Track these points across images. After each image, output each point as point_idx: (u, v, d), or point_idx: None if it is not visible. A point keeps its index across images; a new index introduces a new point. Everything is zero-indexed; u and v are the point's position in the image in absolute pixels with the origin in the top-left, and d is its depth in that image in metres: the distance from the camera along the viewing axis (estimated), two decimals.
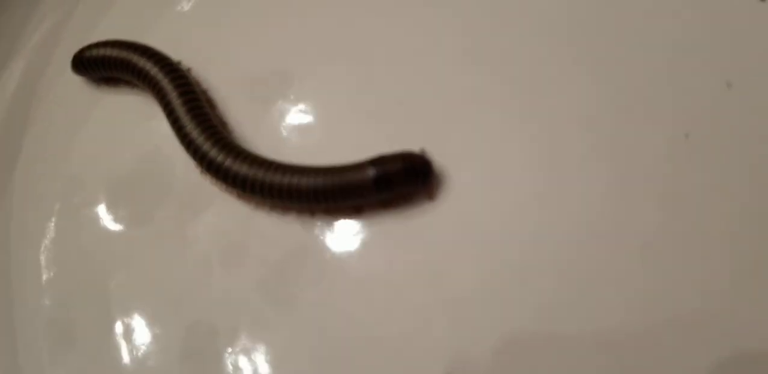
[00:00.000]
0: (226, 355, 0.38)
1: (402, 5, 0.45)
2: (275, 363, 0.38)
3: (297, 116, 0.44)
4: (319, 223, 0.40)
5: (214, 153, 0.39)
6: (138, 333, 0.40)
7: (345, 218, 0.40)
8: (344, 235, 0.39)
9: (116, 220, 0.44)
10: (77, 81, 0.48)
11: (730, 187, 0.36)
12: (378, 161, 0.37)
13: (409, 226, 0.39)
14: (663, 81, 0.39)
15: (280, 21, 0.47)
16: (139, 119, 0.46)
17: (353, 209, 0.39)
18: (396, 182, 0.37)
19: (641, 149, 0.38)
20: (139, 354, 0.40)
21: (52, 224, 0.45)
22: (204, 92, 0.45)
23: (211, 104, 0.44)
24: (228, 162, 0.39)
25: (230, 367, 0.38)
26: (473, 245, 0.38)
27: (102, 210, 0.44)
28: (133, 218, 0.44)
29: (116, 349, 0.40)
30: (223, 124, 0.43)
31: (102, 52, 0.45)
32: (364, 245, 0.39)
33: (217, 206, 0.42)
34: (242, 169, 0.38)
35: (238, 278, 0.40)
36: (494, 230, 0.38)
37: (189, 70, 0.45)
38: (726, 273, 0.35)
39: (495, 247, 0.37)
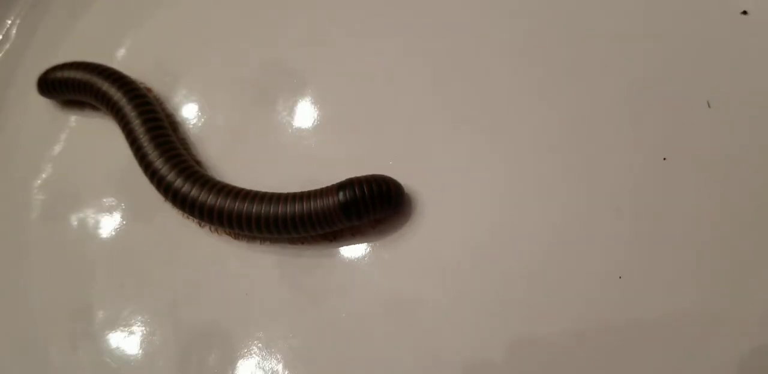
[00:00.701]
0: (231, 359, 0.38)
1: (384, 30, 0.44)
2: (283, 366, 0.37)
3: (290, 122, 0.43)
4: None
5: (176, 182, 0.38)
6: (135, 334, 0.40)
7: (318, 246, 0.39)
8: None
9: (113, 221, 0.43)
10: (43, 102, 0.47)
11: (708, 209, 0.35)
12: (345, 185, 0.35)
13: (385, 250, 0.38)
14: (642, 101, 0.38)
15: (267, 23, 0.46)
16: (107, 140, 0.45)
17: (324, 238, 0.38)
18: (365, 209, 0.35)
19: (619, 171, 0.37)
20: (139, 356, 0.39)
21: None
22: (169, 116, 0.43)
23: (174, 128, 0.43)
24: (188, 190, 0.38)
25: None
26: (442, 271, 0.37)
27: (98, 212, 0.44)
28: (132, 219, 0.43)
29: (119, 350, 0.40)
30: (188, 150, 0.42)
31: (66, 74, 0.44)
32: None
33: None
34: (203, 197, 0.37)
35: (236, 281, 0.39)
36: (463, 255, 0.37)
37: (150, 90, 0.44)
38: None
39: (465, 271, 0.37)
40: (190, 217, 0.39)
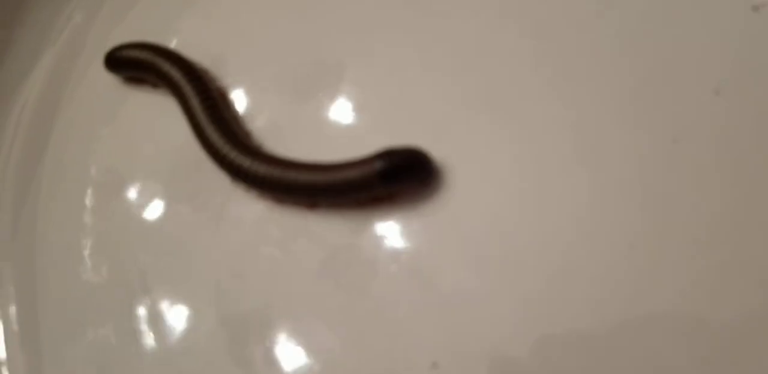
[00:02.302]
0: (262, 347, 0.41)
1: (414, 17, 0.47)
2: (313, 354, 0.40)
3: (333, 109, 0.46)
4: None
5: (232, 155, 0.42)
6: (170, 319, 0.43)
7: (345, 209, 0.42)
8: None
9: (154, 206, 0.47)
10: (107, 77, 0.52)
11: (717, 192, 0.37)
12: (384, 155, 0.39)
13: (411, 223, 0.41)
14: (652, 87, 0.40)
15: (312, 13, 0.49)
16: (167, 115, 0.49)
17: (355, 203, 0.42)
18: (401, 176, 0.39)
19: (632, 151, 0.39)
20: (171, 342, 0.42)
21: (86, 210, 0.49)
22: (223, 96, 0.48)
23: (228, 106, 0.47)
24: (245, 163, 0.42)
25: (266, 358, 0.40)
26: (466, 244, 0.40)
27: (138, 197, 0.48)
28: (173, 204, 0.46)
29: (144, 336, 0.43)
30: (240, 125, 0.46)
31: (130, 53, 0.49)
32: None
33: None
34: (259, 169, 0.41)
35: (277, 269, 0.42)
36: (486, 230, 0.40)
37: (206, 71, 0.48)
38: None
39: (485, 245, 0.39)
40: (242, 184, 0.43)
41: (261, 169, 0.41)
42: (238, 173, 0.42)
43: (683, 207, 0.37)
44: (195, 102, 0.45)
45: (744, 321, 0.34)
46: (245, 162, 0.42)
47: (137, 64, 0.49)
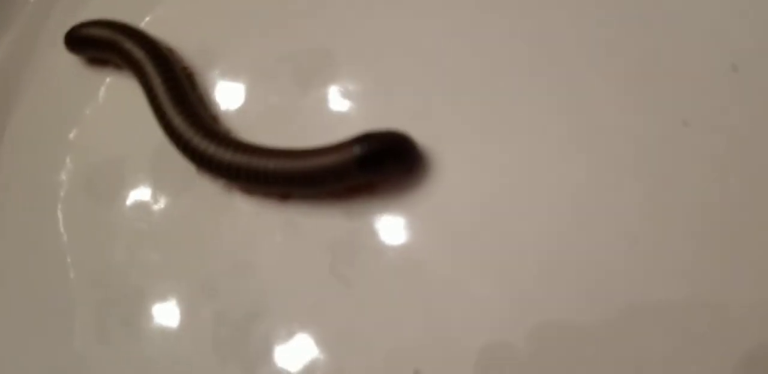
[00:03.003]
0: (263, 339, 0.38)
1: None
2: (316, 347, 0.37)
3: (317, 96, 0.43)
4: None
5: (195, 140, 0.38)
6: (162, 316, 0.40)
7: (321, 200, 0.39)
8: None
9: (142, 200, 0.43)
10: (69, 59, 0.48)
11: (728, 176, 0.35)
12: (362, 139, 0.36)
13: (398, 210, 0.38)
14: (660, 62, 0.37)
15: None
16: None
17: (331, 194, 0.39)
18: (382, 163, 0.36)
19: (636, 135, 0.36)
20: (164, 339, 0.40)
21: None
22: (190, 76, 0.44)
23: (194, 87, 0.44)
24: (209, 149, 0.38)
25: (266, 351, 0.38)
26: (455, 236, 0.37)
27: (129, 188, 0.44)
28: (166, 190, 0.43)
29: (155, 328, 0.40)
30: (206, 109, 0.43)
31: (91, 32, 0.45)
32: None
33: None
34: (224, 155, 0.38)
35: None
36: (476, 220, 0.37)
37: (171, 50, 0.45)
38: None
39: (481, 238, 0.36)
40: (206, 173, 0.40)
41: (227, 155, 0.37)
42: (201, 160, 0.38)
43: (690, 197, 0.35)
44: (157, 82, 0.41)
45: (745, 312, 0.32)
46: (209, 148, 0.38)
47: (99, 44, 0.45)
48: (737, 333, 0.32)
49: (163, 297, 0.40)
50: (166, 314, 0.40)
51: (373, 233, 0.38)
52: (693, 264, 0.34)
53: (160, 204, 0.43)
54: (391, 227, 0.38)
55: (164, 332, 0.40)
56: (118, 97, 0.47)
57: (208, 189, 0.42)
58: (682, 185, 0.35)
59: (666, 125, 0.36)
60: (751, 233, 0.34)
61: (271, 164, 0.37)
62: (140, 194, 0.43)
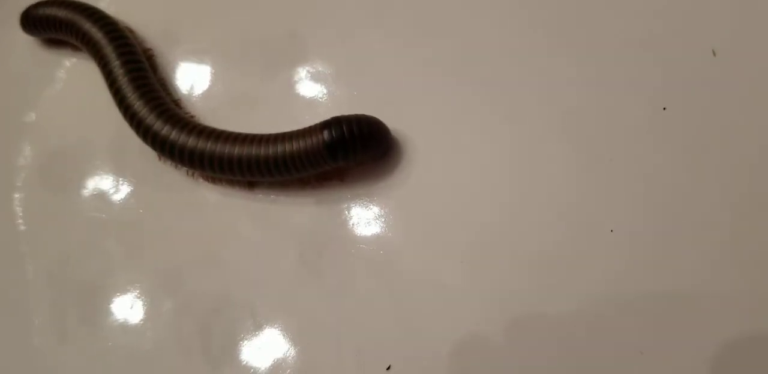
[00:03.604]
0: (229, 333, 0.36)
1: None
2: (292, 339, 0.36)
3: (301, 81, 0.41)
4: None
5: (156, 125, 0.37)
6: (128, 308, 0.38)
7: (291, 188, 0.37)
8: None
9: (102, 188, 0.41)
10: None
11: (708, 160, 0.33)
12: (331, 123, 0.34)
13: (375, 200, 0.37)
14: (642, 48, 0.36)
15: None
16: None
17: (299, 182, 0.37)
18: (352, 148, 0.34)
19: (614, 120, 0.35)
20: (130, 332, 0.38)
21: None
22: (151, 58, 0.42)
23: (155, 70, 0.42)
24: (171, 134, 0.36)
25: (233, 345, 0.36)
26: (428, 226, 0.36)
27: (88, 176, 0.42)
28: (126, 185, 0.41)
29: (101, 326, 0.38)
30: (168, 92, 0.41)
31: (47, 11, 0.42)
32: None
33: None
34: (187, 141, 0.36)
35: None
36: (450, 210, 0.36)
37: (131, 31, 0.43)
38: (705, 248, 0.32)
39: (452, 226, 0.35)
40: (168, 160, 0.38)
41: (190, 141, 0.36)
42: (163, 147, 0.36)
43: (672, 186, 0.34)
44: (116, 65, 0.39)
45: (722, 301, 0.32)
46: (171, 134, 0.36)
47: (56, 24, 0.42)
48: (711, 324, 0.32)
49: (124, 291, 0.39)
50: (128, 308, 0.38)
51: (343, 223, 0.37)
52: (669, 254, 0.33)
53: (121, 193, 0.41)
54: (361, 216, 0.37)
55: (125, 327, 0.38)
56: (78, 80, 0.45)
57: (172, 177, 0.40)
58: (664, 173, 0.34)
59: (647, 109, 0.35)
60: (726, 221, 0.33)
61: (237, 150, 0.35)
62: (100, 182, 0.41)
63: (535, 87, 0.37)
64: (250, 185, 0.38)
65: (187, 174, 0.39)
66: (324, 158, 0.34)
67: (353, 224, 0.36)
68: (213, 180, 0.38)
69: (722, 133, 0.34)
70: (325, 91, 0.40)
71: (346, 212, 0.37)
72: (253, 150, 0.35)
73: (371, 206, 0.37)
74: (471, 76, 0.38)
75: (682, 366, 0.31)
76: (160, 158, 0.39)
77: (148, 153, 0.39)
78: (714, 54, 0.35)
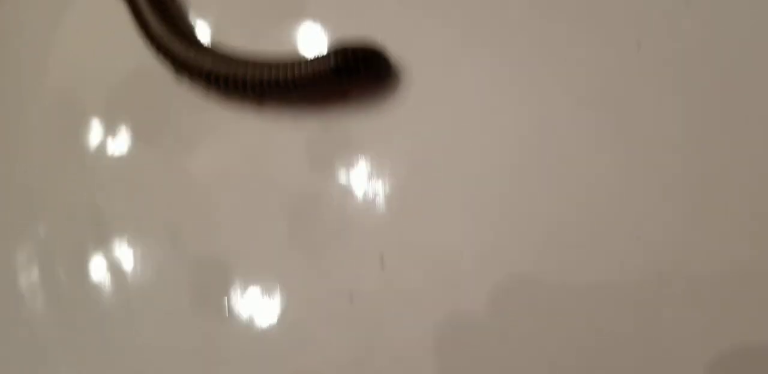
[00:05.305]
0: (233, 294, 0.39)
1: None
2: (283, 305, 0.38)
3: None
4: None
5: (181, 50, 0.40)
6: (127, 267, 0.41)
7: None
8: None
9: (109, 142, 0.43)
10: None
11: (686, 102, 0.35)
12: (339, 50, 0.37)
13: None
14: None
15: None
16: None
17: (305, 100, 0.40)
18: (357, 69, 0.37)
19: (590, 59, 0.37)
20: (128, 291, 0.40)
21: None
22: None
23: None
24: (193, 57, 0.40)
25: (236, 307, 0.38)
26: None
27: (92, 131, 0.44)
28: (127, 142, 0.43)
29: (99, 285, 0.41)
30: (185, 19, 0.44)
31: None
32: None
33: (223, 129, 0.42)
34: (206, 63, 0.40)
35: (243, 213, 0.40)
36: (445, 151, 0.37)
37: None
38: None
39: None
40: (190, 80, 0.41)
41: (207, 62, 0.40)
42: (182, 67, 0.40)
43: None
44: None
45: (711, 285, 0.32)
46: (190, 54, 0.40)
47: None
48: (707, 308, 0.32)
49: (121, 248, 0.41)
50: (125, 264, 0.41)
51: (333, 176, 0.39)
52: (662, 221, 0.33)
53: (128, 149, 0.43)
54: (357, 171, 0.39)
55: (120, 283, 0.40)
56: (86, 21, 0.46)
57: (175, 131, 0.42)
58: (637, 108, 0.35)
59: (619, 46, 0.36)
60: (708, 164, 0.33)
61: (250, 69, 0.39)
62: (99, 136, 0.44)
63: (540, 31, 0.38)
64: (258, 103, 0.41)
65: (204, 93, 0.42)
66: (331, 75, 0.37)
67: (345, 178, 0.39)
68: (226, 96, 0.41)
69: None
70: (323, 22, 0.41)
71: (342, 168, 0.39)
72: (265, 70, 0.38)
73: (367, 159, 0.39)
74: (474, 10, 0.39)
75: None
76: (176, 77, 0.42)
77: (149, 105, 0.42)
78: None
